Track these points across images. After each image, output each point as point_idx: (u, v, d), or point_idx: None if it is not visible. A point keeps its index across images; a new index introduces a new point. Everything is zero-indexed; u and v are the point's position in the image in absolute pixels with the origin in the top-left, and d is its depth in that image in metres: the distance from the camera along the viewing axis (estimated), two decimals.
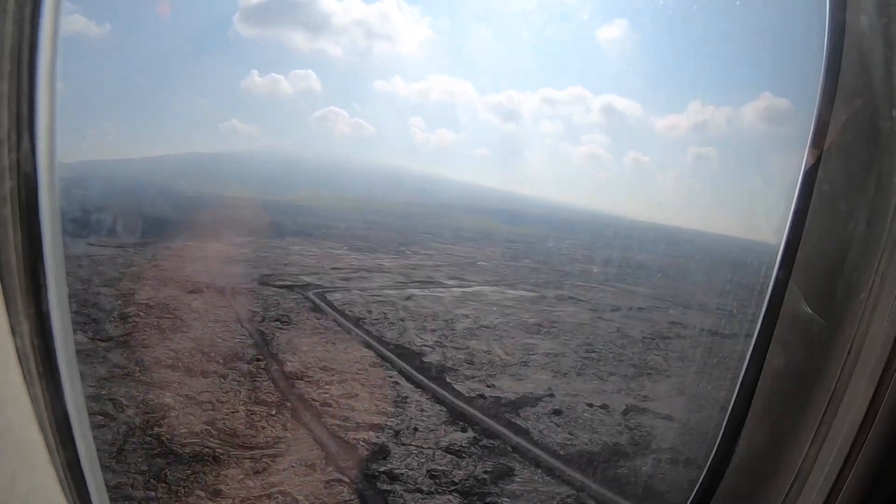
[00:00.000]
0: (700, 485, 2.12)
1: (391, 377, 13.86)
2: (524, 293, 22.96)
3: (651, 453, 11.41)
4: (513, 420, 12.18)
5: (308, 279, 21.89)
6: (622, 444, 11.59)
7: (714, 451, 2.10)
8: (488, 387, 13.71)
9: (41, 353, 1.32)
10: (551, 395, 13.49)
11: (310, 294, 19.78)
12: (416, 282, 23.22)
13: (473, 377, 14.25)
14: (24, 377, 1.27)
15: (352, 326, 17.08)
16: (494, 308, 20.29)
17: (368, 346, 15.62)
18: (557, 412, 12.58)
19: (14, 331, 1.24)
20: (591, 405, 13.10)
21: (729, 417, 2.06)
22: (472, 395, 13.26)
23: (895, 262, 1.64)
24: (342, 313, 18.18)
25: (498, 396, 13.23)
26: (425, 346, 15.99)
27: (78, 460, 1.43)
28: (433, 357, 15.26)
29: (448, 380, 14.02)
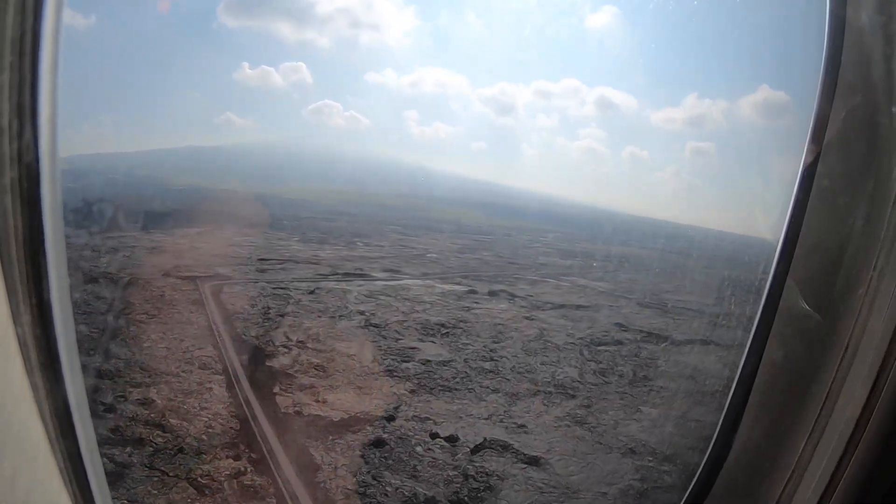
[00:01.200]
0: (698, 479, 2.07)
1: (209, 382, 11.67)
2: (455, 287, 19.85)
3: None
4: (312, 449, 9.53)
5: (222, 270, 20.33)
6: (438, 501, 8.47)
7: (711, 445, 2.04)
8: (317, 401, 11.11)
9: (42, 342, 1.29)
10: (390, 418, 10.61)
11: (206, 286, 18.13)
12: (340, 274, 20.92)
13: (310, 387, 11.69)
14: (25, 366, 1.24)
15: (219, 322, 15.13)
16: (405, 304, 17.49)
17: (216, 346, 13.55)
18: (379, 443, 9.70)
19: (15, 320, 1.22)
20: (434, 436, 10.06)
21: (726, 412, 2.01)
22: (289, 410, 10.75)
23: (893, 259, 1.62)
24: (222, 307, 16.31)
25: (318, 415, 10.61)
26: (283, 346, 13.64)
27: (78, 449, 1.40)
28: (280, 361, 12.88)
29: (277, 389, 11.59)
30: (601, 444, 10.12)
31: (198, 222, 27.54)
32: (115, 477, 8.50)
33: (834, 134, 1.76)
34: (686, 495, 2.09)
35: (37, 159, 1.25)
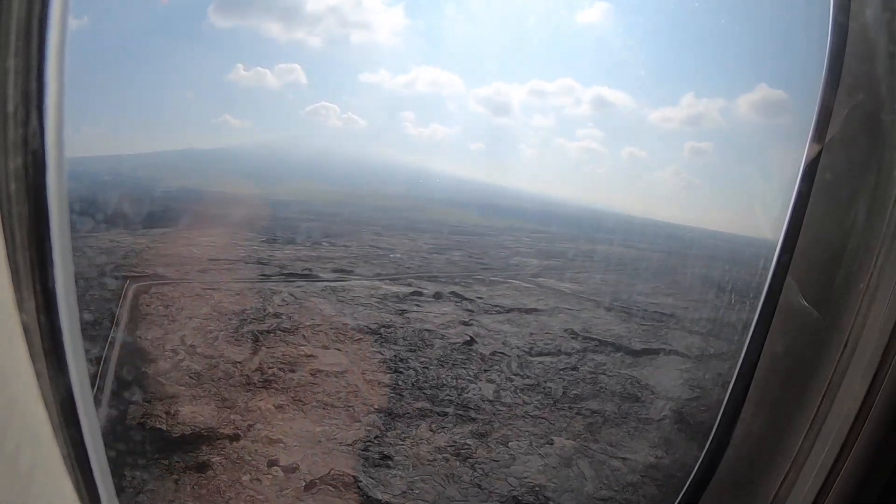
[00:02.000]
0: (695, 474, 2.07)
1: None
2: (402, 289, 18.06)
3: None
4: (127, 469, 8.03)
5: (162, 271, 19.56)
6: None
7: (710, 440, 2.05)
8: (167, 413, 9.69)
9: (46, 329, 1.27)
10: (236, 437, 9.00)
11: (134, 286, 17.34)
12: (286, 274, 19.67)
13: (171, 397, 10.31)
14: (30, 353, 1.22)
15: (123, 323, 14.15)
16: (335, 307, 15.95)
17: (104, 348, 12.47)
18: (202, 467, 8.11)
19: (20, 307, 1.20)
20: (272, 463, 8.35)
21: (725, 408, 2.02)
22: (133, 423, 9.38)
23: (893, 256, 1.61)
24: (136, 308, 15.38)
25: (159, 429, 9.16)
26: (171, 350, 12.40)
27: (81, 437, 1.36)
28: (160, 366, 11.61)
29: (136, 398, 10.28)
30: (480, 487, 8.00)
31: (167, 223, 27.23)
32: None
33: (836, 130, 1.73)
34: (685, 488, 2.05)
35: (42, 146, 1.22)
